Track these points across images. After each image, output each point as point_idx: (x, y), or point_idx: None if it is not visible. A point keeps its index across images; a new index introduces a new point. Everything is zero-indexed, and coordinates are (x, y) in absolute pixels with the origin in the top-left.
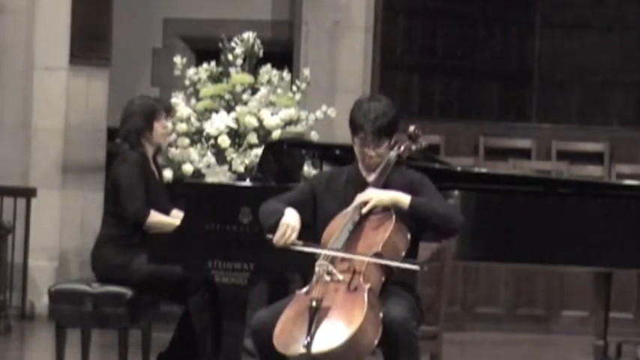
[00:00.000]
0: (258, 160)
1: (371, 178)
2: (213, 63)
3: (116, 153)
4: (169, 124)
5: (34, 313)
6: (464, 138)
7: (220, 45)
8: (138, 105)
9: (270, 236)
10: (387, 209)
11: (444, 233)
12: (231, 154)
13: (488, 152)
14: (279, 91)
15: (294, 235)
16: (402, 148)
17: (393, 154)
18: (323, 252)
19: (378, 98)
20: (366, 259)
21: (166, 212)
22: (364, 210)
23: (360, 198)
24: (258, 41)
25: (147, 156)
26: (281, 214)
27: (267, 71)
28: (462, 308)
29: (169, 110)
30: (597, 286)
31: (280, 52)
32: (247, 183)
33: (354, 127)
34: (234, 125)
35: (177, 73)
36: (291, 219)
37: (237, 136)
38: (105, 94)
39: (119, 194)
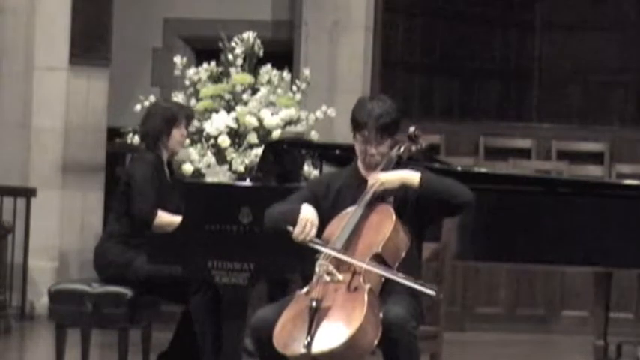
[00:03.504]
0: (258, 160)
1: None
2: (213, 63)
3: (119, 152)
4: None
5: (34, 313)
6: (464, 138)
7: (220, 45)
8: (161, 108)
9: (290, 229)
10: (389, 209)
11: (455, 208)
12: (231, 154)
13: (489, 152)
14: (279, 91)
15: (314, 231)
16: (402, 149)
17: (393, 154)
18: (343, 257)
19: (382, 98)
20: (389, 275)
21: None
22: (372, 194)
23: (370, 182)
24: (258, 41)
25: (162, 159)
26: (298, 210)
27: (267, 71)
28: (461, 308)
29: (190, 118)
30: (597, 286)
31: (280, 52)
32: (247, 183)
33: (357, 124)
34: (234, 125)
35: (177, 73)
36: (310, 214)
37: (237, 136)
38: (105, 94)
39: (130, 193)
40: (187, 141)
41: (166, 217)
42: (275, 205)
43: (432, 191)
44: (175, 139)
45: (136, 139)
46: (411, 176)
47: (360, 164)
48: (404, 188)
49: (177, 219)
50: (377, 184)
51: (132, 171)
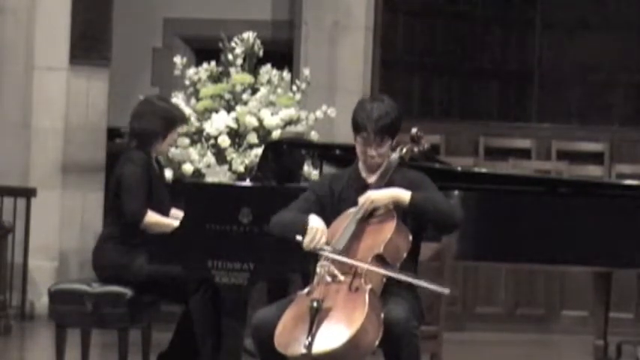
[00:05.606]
0: (258, 160)
1: (372, 179)
2: (213, 63)
3: (119, 152)
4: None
5: (34, 313)
6: (464, 138)
7: (220, 45)
8: (161, 110)
9: (299, 238)
10: (389, 210)
11: (443, 229)
12: (231, 154)
13: (489, 152)
14: (279, 91)
15: (324, 239)
16: (404, 150)
17: (394, 156)
18: (354, 263)
19: (381, 98)
20: (396, 276)
21: (168, 212)
22: (363, 212)
23: (360, 201)
24: (258, 41)
25: (151, 157)
26: (305, 220)
27: (267, 71)
28: (461, 308)
29: (185, 123)
30: (597, 286)
31: (280, 52)
32: (247, 183)
33: (357, 126)
34: (234, 125)
35: (177, 73)
36: (319, 223)
37: (237, 136)
38: (105, 94)
39: (120, 193)
40: (187, 141)
41: (156, 217)
42: (281, 213)
43: (420, 211)
44: (168, 142)
45: None
46: (401, 194)
47: (361, 166)
48: (395, 203)
49: (167, 221)
50: (367, 202)
51: (121, 171)
